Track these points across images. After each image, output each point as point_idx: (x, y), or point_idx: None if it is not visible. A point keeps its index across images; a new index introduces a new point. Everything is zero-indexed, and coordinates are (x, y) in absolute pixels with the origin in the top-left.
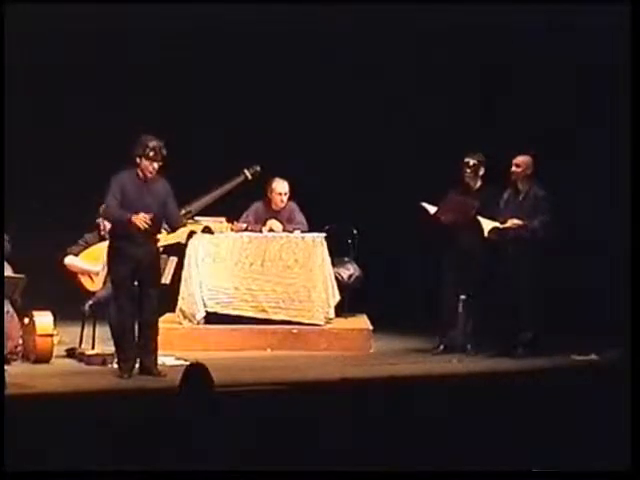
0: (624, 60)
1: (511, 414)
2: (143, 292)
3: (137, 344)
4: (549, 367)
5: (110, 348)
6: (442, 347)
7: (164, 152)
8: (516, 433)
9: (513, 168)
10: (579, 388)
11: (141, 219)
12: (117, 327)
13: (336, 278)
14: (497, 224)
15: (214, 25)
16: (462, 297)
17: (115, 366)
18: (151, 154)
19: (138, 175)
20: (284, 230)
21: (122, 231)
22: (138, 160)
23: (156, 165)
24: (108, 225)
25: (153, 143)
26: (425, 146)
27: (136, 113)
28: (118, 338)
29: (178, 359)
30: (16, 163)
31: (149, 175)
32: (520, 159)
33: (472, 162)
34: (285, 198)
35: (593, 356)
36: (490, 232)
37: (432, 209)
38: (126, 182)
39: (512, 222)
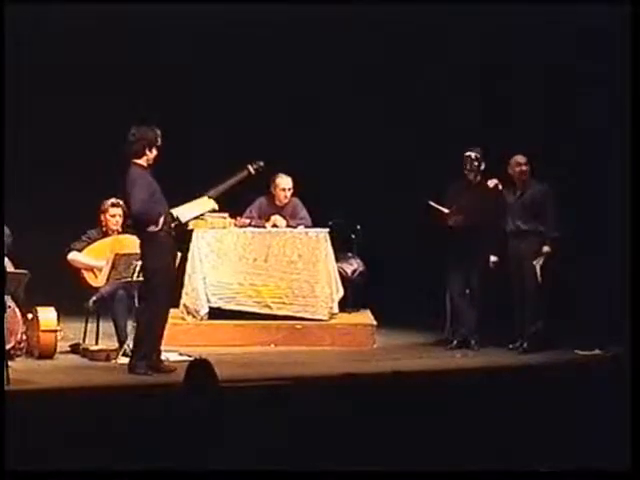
0: (624, 61)
1: (513, 410)
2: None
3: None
4: (552, 362)
5: (114, 344)
6: (455, 342)
7: None
8: (517, 430)
9: (510, 167)
10: (581, 386)
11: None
12: (149, 322)
13: (340, 273)
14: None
15: (215, 24)
16: (466, 292)
17: (119, 362)
18: (159, 141)
19: (144, 167)
20: (287, 225)
21: (163, 223)
22: (148, 151)
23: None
24: (111, 221)
25: (158, 131)
26: (428, 142)
27: (136, 112)
28: (147, 334)
29: (182, 355)
30: (17, 161)
31: (153, 164)
32: (517, 158)
33: (474, 155)
34: (289, 194)
35: (597, 351)
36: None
37: (443, 210)
38: (146, 177)
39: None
